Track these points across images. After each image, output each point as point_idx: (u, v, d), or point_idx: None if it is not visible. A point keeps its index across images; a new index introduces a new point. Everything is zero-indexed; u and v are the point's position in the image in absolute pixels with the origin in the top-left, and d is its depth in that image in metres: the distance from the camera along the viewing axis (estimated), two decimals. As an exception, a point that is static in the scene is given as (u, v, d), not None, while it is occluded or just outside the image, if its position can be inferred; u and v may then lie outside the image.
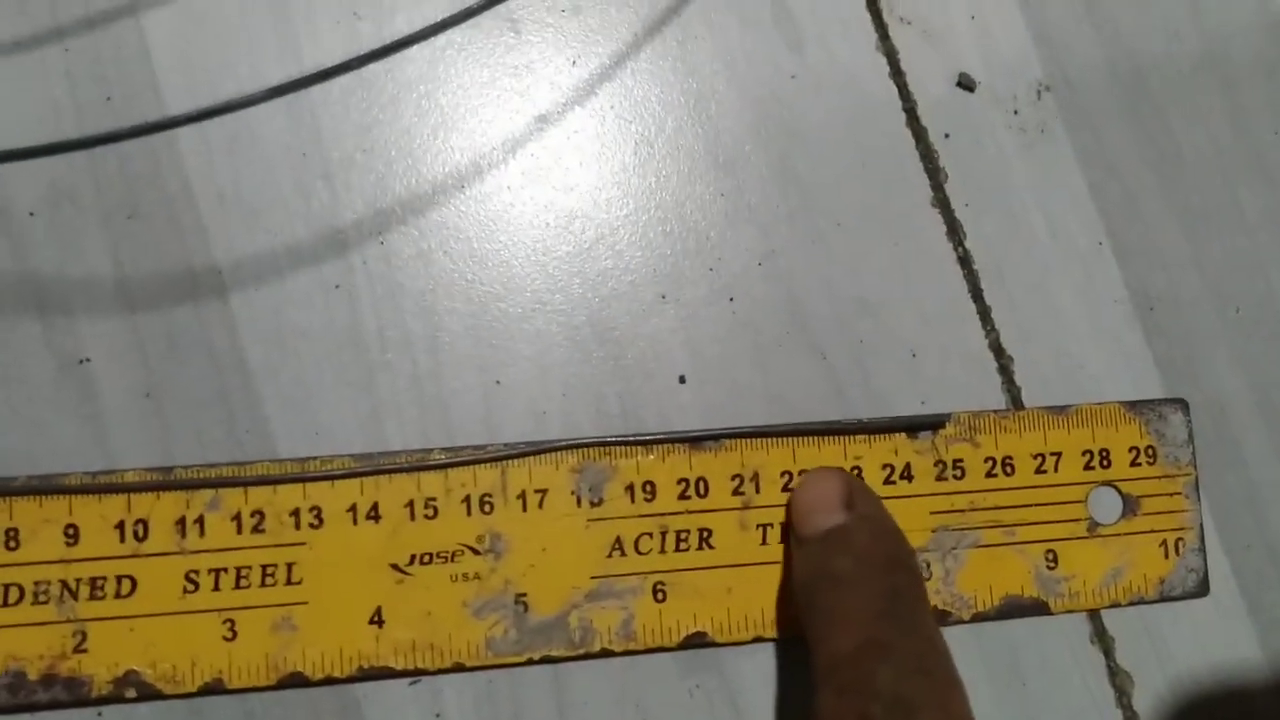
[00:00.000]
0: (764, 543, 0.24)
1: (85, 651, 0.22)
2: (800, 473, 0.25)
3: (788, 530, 0.25)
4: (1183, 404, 0.27)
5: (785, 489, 0.25)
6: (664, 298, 0.26)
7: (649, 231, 0.26)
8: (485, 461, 0.24)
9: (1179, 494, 0.26)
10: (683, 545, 0.24)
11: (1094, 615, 0.26)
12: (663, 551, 0.24)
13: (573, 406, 0.25)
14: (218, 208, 0.24)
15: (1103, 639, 0.26)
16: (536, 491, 0.24)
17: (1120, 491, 0.26)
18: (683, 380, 0.25)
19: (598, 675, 0.24)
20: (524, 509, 0.24)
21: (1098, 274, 0.27)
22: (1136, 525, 0.26)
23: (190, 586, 0.23)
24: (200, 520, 0.23)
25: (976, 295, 0.27)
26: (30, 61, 0.24)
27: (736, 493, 0.24)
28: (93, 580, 0.22)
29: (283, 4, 0.25)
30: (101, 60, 0.25)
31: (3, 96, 0.24)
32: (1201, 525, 0.26)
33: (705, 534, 0.24)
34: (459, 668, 0.23)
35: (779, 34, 0.27)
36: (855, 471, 0.25)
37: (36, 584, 0.22)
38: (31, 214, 0.24)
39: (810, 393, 0.26)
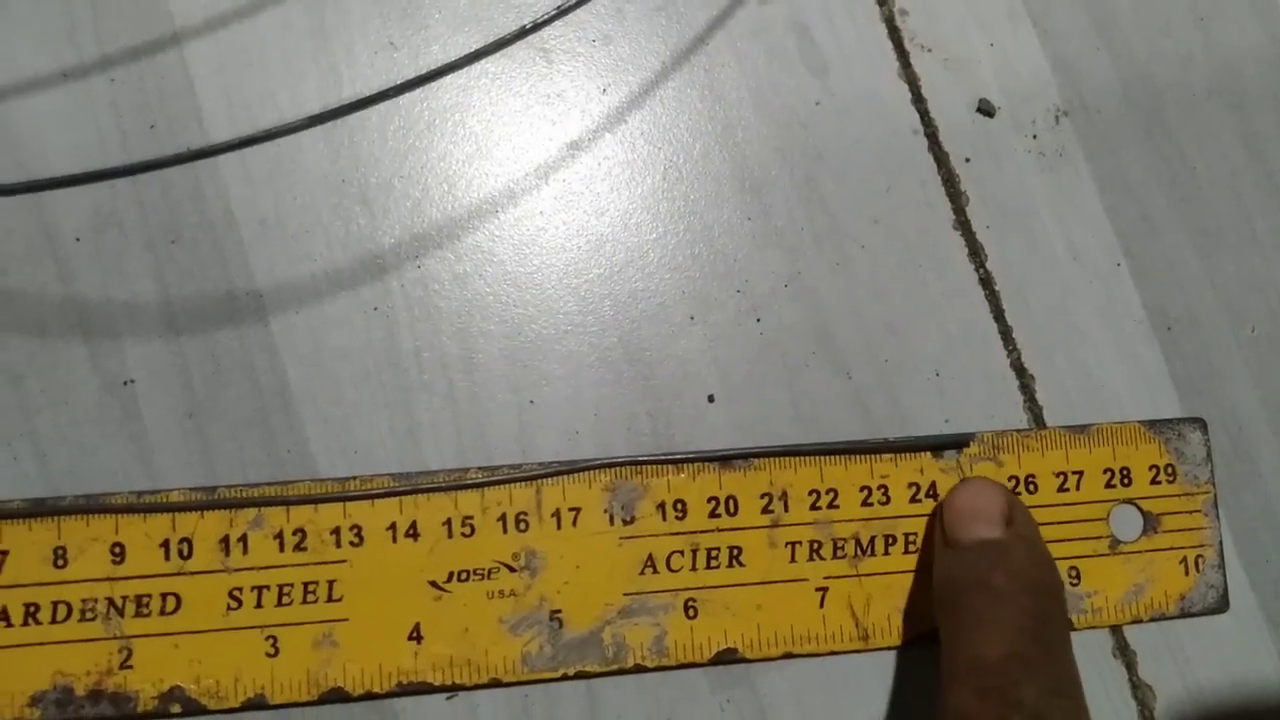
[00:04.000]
0: (792, 560, 0.25)
1: (131, 667, 0.23)
2: (829, 491, 0.25)
3: (931, 532, 0.26)
4: (1201, 423, 0.27)
5: (813, 508, 0.25)
6: (693, 319, 0.26)
7: (678, 254, 0.26)
8: (520, 480, 0.24)
9: (1198, 511, 0.27)
10: (713, 563, 0.25)
11: (1116, 631, 0.26)
12: (694, 569, 0.25)
13: (604, 426, 0.25)
14: (259, 233, 0.25)
15: (1125, 654, 0.26)
16: (570, 510, 0.24)
17: (1141, 509, 0.26)
18: (711, 400, 0.26)
19: (630, 691, 0.24)
20: (558, 527, 0.24)
21: (1116, 294, 0.28)
22: (1157, 542, 0.26)
23: (234, 604, 0.23)
24: (244, 539, 0.23)
25: (998, 315, 0.27)
26: (78, 92, 0.25)
27: (765, 511, 0.25)
28: (138, 598, 0.23)
29: (322, 35, 0.26)
30: (146, 90, 0.25)
31: (51, 125, 0.25)
32: (1221, 542, 0.27)
33: (735, 552, 0.25)
34: (495, 683, 0.24)
35: (803, 62, 0.27)
36: (881, 490, 0.26)
37: (84, 601, 0.23)
38: (78, 239, 0.25)
39: (836, 412, 0.26)
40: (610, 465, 0.25)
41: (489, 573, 0.24)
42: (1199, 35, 0.30)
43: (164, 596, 0.23)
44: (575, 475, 0.24)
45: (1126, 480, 0.26)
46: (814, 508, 0.25)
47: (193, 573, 0.23)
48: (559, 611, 0.24)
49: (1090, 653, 0.26)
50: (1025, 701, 0.23)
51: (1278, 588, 0.27)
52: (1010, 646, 0.24)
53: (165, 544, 0.23)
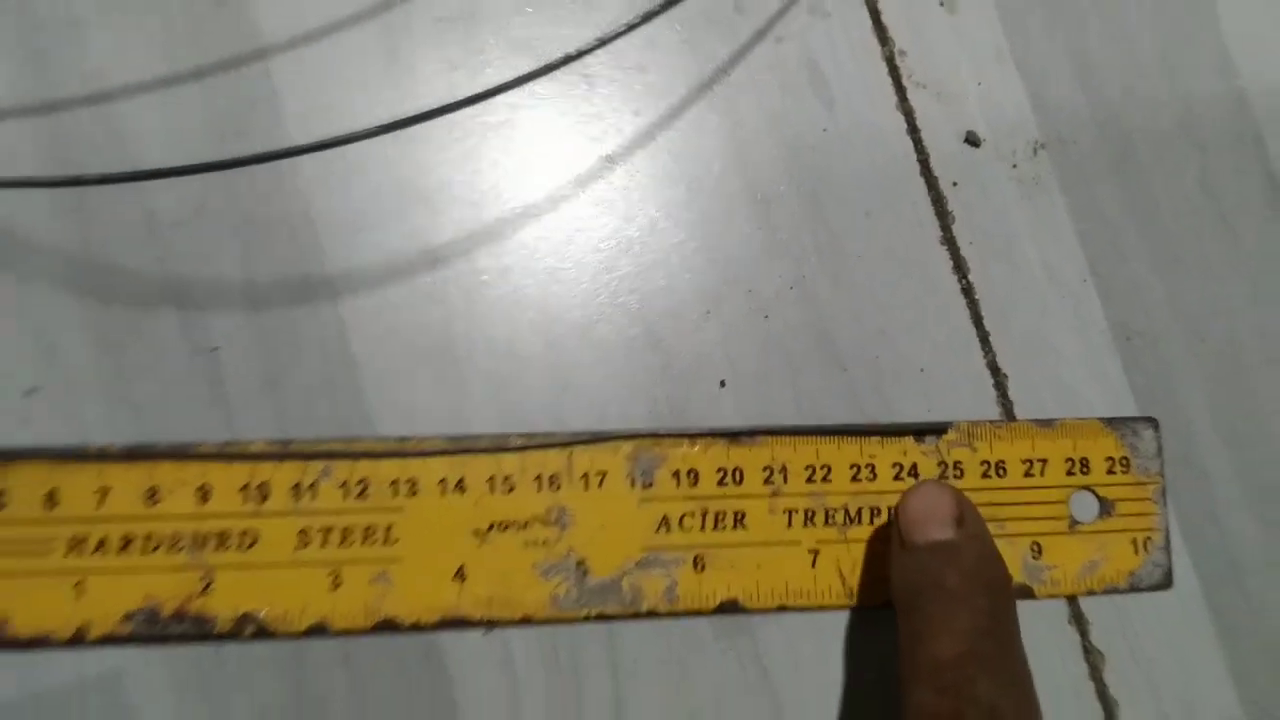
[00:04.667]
0: (789, 526, 0.28)
1: (211, 594, 0.26)
2: (823, 467, 0.29)
3: (887, 532, 0.28)
4: (1154, 422, 0.31)
5: (809, 481, 0.29)
6: (708, 314, 0.30)
7: (697, 258, 0.30)
8: (554, 446, 0.28)
9: (1148, 499, 0.30)
10: (720, 525, 0.28)
11: (1072, 601, 0.30)
12: (703, 529, 0.28)
13: (629, 403, 0.29)
14: (331, 225, 0.29)
15: (1079, 622, 0.30)
16: (597, 474, 0.28)
17: (1097, 495, 0.30)
18: (723, 385, 0.29)
19: (646, 636, 0.28)
20: (586, 488, 0.28)
21: (1083, 308, 0.32)
22: (1111, 525, 0.30)
23: (302, 543, 0.27)
24: (314, 486, 0.27)
25: (977, 322, 0.31)
26: (176, 97, 0.29)
27: (767, 482, 0.28)
28: (220, 534, 0.26)
29: (392, 55, 0.30)
30: (237, 97, 0.29)
31: (153, 125, 0.29)
32: (1168, 528, 0.30)
33: (739, 516, 0.28)
34: (527, 620, 0.27)
35: (813, 94, 0.31)
36: (869, 469, 0.29)
37: (172, 535, 0.26)
38: (174, 224, 0.28)
39: (832, 400, 0.30)
40: (633, 437, 0.28)
41: (525, 525, 0.27)
42: (1166, 82, 0.33)
43: (242, 534, 0.26)
44: (602, 444, 0.28)
45: (1085, 469, 0.30)
46: (809, 481, 0.29)
47: (268, 514, 0.27)
48: (584, 560, 0.27)
49: (1049, 620, 0.30)
50: (981, 696, 0.24)
51: (1217, 571, 0.31)
52: (966, 645, 0.25)
53: (245, 488, 0.27)
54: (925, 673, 0.25)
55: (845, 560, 0.28)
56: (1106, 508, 0.30)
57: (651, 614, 0.27)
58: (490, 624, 0.27)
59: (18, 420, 0.27)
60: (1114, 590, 0.29)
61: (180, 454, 0.27)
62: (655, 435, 0.28)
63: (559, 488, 0.28)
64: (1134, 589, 0.30)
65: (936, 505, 0.27)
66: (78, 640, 0.26)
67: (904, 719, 0.25)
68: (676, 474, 0.28)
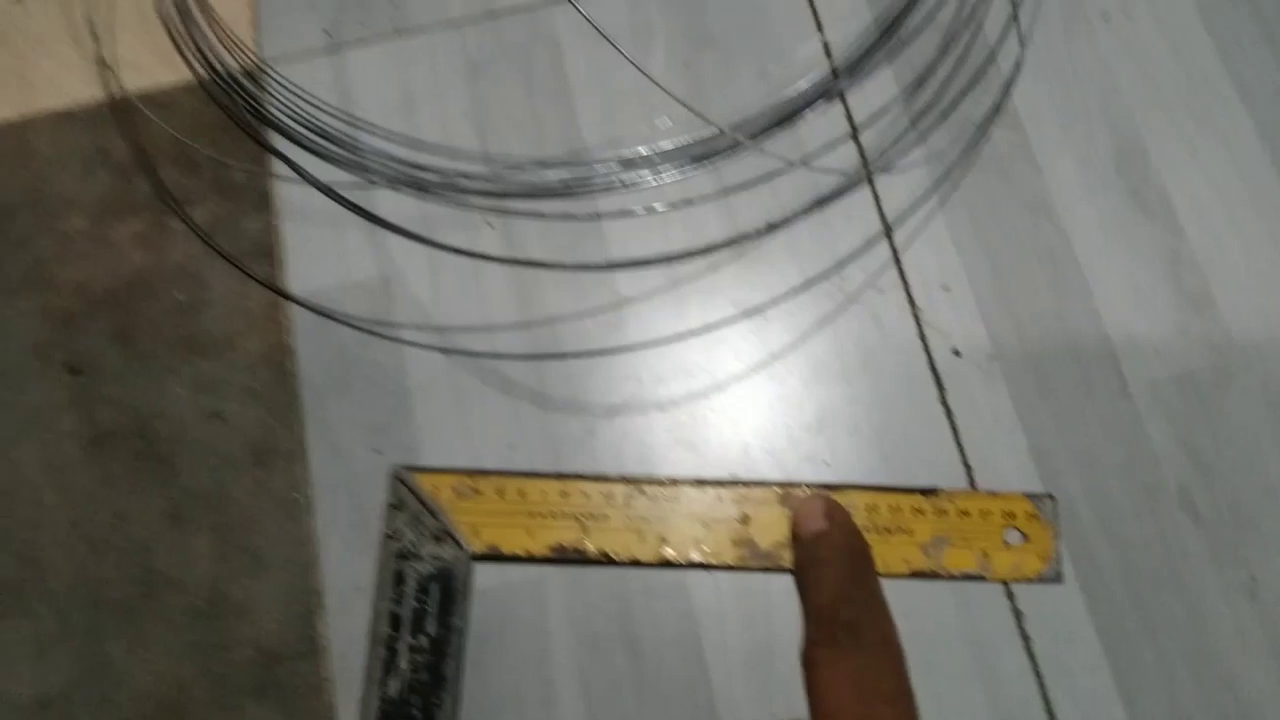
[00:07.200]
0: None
1: (586, 540, 0.57)
2: (874, 506, 0.58)
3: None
4: (1052, 496, 0.59)
5: (870, 513, 0.58)
6: (828, 465, 0.60)
7: (845, 432, 0.61)
8: (762, 485, 0.59)
9: (1049, 535, 0.58)
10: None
11: (1006, 585, 0.58)
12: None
13: (786, 467, 0.59)
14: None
15: (1010, 596, 0.57)
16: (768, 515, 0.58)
17: (1020, 530, 0.58)
18: (826, 464, 0.60)
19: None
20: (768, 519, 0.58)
21: (1013, 439, 0.61)
22: (1028, 547, 0.58)
23: (629, 520, 0.58)
24: (630, 496, 0.58)
25: (959, 448, 0.61)
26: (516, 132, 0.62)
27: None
28: (590, 514, 0.58)
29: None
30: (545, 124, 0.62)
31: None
32: (1059, 550, 0.58)
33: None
34: (729, 567, 0.57)
35: (878, 329, 0.63)
36: (898, 508, 0.58)
37: (572, 512, 0.58)
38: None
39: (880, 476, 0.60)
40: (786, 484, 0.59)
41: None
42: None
43: (600, 515, 0.58)
44: (784, 489, 0.59)
45: (1012, 517, 0.58)
46: (870, 513, 0.58)
47: (615, 505, 0.58)
48: (750, 537, 0.57)
49: (993, 596, 0.57)
50: (844, 620, 0.36)
51: (1090, 573, 0.58)
52: (835, 592, 0.37)
53: (606, 494, 0.58)
54: (811, 615, 0.37)
55: (881, 553, 0.58)
56: (1024, 536, 0.58)
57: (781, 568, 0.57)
58: (710, 567, 0.57)
59: (501, 455, 0.59)
60: (1030, 580, 0.57)
61: (570, 476, 0.58)
62: (803, 484, 0.59)
63: (749, 523, 0.58)
64: (1041, 580, 0.57)
65: (812, 508, 0.44)
66: (526, 559, 0.57)
67: (802, 649, 0.37)
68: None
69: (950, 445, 0.59)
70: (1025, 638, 0.56)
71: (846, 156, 0.64)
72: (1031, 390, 0.57)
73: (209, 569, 0.55)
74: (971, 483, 0.59)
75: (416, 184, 0.60)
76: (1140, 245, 0.60)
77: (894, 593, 0.52)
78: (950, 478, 0.58)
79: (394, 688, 0.52)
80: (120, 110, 0.64)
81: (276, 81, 0.64)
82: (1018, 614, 0.56)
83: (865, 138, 0.64)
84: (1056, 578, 0.57)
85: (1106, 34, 0.66)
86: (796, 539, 0.44)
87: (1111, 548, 0.57)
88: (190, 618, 0.54)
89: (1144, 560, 0.56)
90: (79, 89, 0.65)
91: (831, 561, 0.42)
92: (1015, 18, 0.65)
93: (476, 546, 0.56)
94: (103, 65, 0.65)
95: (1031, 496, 0.58)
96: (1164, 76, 0.65)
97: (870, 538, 0.56)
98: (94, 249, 0.61)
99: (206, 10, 0.66)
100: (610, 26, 0.63)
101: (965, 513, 0.57)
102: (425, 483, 0.56)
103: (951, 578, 0.56)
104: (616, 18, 0.65)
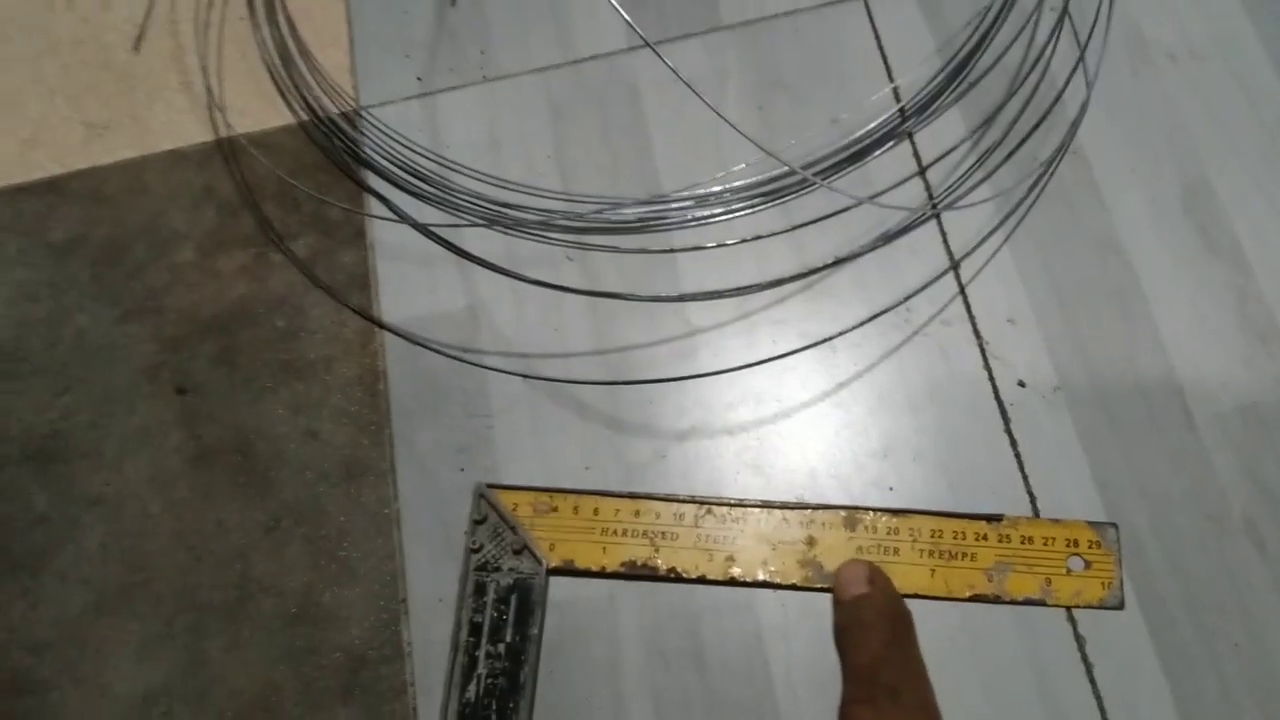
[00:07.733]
0: (922, 557, 0.59)
1: (656, 557, 0.60)
2: (939, 531, 0.60)
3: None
4: (1115, 525, 0.60)
5: (933, 538, 0.60)
6: (891, 490, 0.62)
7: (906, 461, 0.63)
8: (821, 509, 0.61)
9: (1112, 561, 0.59)
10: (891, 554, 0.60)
11: (1069, 610, 0.59)
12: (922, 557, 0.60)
13: (855, 494, 0.61)
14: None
15: (1072, 620, 0.58)
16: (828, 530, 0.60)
17: (1083, 558, 0.59)
18: (891, 490, 0.62)
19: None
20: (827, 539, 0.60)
21: (1077, 468, 0.62)
22: (1090, 573, 0.59)
23: (697, 537, 0.60)
24: (709, 514, 0.60)
25: (1023, 475, 0.62)
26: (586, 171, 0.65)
27: (915, 541, 0.60)
28: (662, 532, 0.60)
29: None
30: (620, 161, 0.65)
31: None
32: (1122, 578, 0.59)
33: (892, 549, 0.60)
34: (794, 586, 0.59)
35: (943, 360, 0.65)
36: (963, 534, 0.60)
37: (642, 531, 0.60)
38: (569, 259, 0.64)
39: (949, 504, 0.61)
40: (853, 508, 0.61)
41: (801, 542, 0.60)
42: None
43: (670, 533, 0.60)
44: (850, 513, 0.61)
45: (1075, 544, 0.60)
46: (934, 538, 0.60)
47: (684, 525, 0.60)
48: (816, 554, 0.59)
49: (1056, 623, 0.58)
50: (884, 682, 0.37)
51: (1150, 600, 0.59)
52: (876, 654, 0.38)
53: (677, 514, 0.61)
54: (851, 674, 0.38)
55: (944, 576, 0.59)
56: (1087, 564, 0.59)
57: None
58: (778, 587, 0.59)
59: (572, 479, 0.62)
60: (1092, 607, 0.58)
61: (641, 496, 0.61)
62: (866, 508, 0.61)
63: (815, 545, 0.60)
64: (1103, 607, 0.58)
65: (855, 572, 0.45)
66: (599, 574, 0.59)
67: (840, 709, 0.38)
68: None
69: (1014, 473, 0.60)
70: (1087, 664, 0.56)
71: (914, 193, 0.66)
72: (1096, 420, 0.59)
73: (302, 577, 0.59)
74: (1035, 510, 0.60)
75: (502, 221, 0.64)
76: (1207, 282, 0.61)
77: (957, 617, 0.54)
78: (1014, 505, 0.60)
79: (472, 692, 0.55)
80: (227, 151, 0.70)
81: (372, 125, 0.69)
82: (1080, 639, 0.57)
83: (932, 175, 0.66)
84: (1119, 605, 0.58)
85: (1173, 74, 0.67)
86: (839, 601, 0.46)
87: (1175, 577, 0.58)
88: (283, 622, 0.58)
89: (1208, 590, 0.57)
90: (190, 131, 0.70)
91: (874, 625, 0.43)
92: (1082, 59, 0.67)
93: (552, 560, 0.58)
94: (212, 108, 0.70)
95: (1095, 524, 0.59)
96: (1231, 116, 0.66)
97: (934, 562, 0.58)
98: (202, 279, 0.66)
99: (308, 58, 0.71)
100: (687, 71, 0.67)
101: (1028, 539, 0.59)
102: (506, 500, 0.60)
103: (1013, 602, 0.57)
104: (694, 64, 0.69)
